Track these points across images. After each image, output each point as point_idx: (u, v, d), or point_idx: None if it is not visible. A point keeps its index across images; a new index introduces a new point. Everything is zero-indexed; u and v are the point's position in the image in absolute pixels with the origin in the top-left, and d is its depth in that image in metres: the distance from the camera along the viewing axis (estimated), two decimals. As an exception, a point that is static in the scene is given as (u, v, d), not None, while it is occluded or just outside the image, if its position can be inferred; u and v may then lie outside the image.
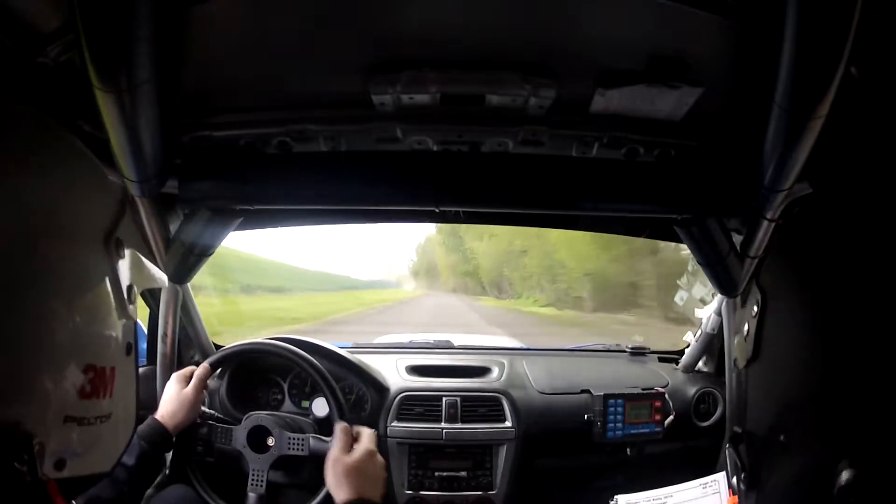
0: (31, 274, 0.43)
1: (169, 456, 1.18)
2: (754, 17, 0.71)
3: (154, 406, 1.16)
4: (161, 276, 0.58)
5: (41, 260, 0.44)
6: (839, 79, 0.68)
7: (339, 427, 1.04)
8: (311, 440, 1.10)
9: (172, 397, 1.12)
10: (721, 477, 1.16)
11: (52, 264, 0.44)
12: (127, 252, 0.50)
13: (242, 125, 0.99)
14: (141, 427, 1.05)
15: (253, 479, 1.13)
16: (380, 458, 1.01)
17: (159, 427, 1.07)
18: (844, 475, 0.46)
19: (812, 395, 0.50)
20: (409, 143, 1.02)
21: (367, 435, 1.03)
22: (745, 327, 0.73)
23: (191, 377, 1.15)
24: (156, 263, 1.14)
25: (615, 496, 1.19)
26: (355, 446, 1.01)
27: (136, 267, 0.52)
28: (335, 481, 0.95)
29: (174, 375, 1.16)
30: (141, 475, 1.00)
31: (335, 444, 1.01)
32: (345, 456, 0.98)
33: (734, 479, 1.27)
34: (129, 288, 0.50)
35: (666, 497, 1.17)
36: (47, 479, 0.44)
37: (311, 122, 0.98)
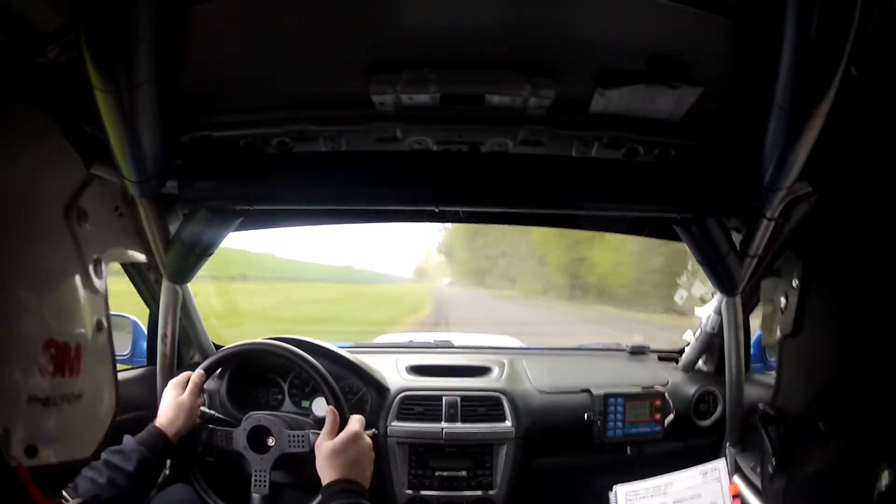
0: None
1: (167, 467, 1.18)
2: (754, 17, 0.71)
3: (154, 406, 1.16)
4: (135, 253, 0.56)
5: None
6: (839, 79, 0.68)
7: (329, 410, 1.07)
8: (312, 436, 1.10)
9: (170, 404, 1.12)
10: (721, 464, 1.16)
11: (5, 238, 0.42)
12: (92, 225, 0.48)
13: (242, 125, 0.99)
14: (141, 434, 1.06)
15: (256, 480, 1.13)
16: (366, 440, 1.04)
17: (160, 434, 1.07)
18: (885, 478, 0.45)
19: (855, 382, 0.49)
20: (408, 143, 1.02)
21: (354, 419, 1.06)
22: (783, 300, 0.70)
23: (186, 383, 1.15)
24: (156, 263, 1.15)
25: (614, 487, 1.19)
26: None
27: (104, 237, 0.49)
28: (321, 464, 0.99)
29: (170, 382, 1.16)
30: (142, 481, 1.00)
31: (323, 428, 1.04)
32: (330, 439, 1.02)
33: (735, 478, 1.27)
34: (97, 261, 0.48)
35: (666, 485, 1.17)
36: (17, 465, 0.41)
37: (312, 122, 0.98)
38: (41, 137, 0.48)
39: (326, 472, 0.98)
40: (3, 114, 0.46)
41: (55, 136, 0.49)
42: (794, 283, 0.80)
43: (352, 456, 1.00)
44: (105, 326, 0.50)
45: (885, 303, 0.69)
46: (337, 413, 1.07)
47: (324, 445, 1.01)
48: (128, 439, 1.02)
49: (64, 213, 0.47)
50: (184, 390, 1.14)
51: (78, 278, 0.46)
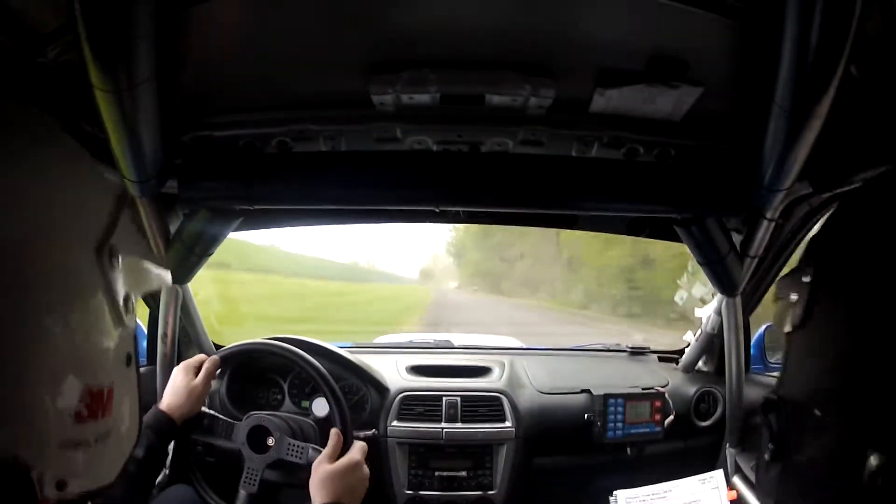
0: (24, 287, 0.39)
1: (169, 456, 1.18)
2: (754, 16, 0.71)
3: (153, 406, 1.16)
4: (163, 274, 0.55)
5: (34, 270, 0.39)
6: (839, 79, 0.68)
7: (333, 433, 1.06)
8: (311, 451, 1.10)
9: (180, 388, 1.11)
10: (719, 473, 1.16)
11: (45, 276, 0.40)
12: (123, 260, 0.45)
13: (242, 125, 0.99)
14: (146, 416, 1.04)
15: (246, 477, 1.12)
16: (365, 469, 1.03)
17: (165, 417, 1.07)
18: (873, 460, 0.46)
19: (855, 371, 0.50)
20: (409, 143, 1.02)
21: (356, 447, 1.05)
22: (794, 294, 0.72)
23: (197, 367, 1.14)
24: None
25: (614, 492, 1.19)
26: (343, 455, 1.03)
27: (134, 273, 0.48)
28: (314, 484, 0.98)
29: (182, 365, 1.14)
30: (149, 466, 1.01)
31: (325, 450, 1.03)
32: (329, 462, 1.01)
33: (735, 478, 1.27)
34: (127, 297, 0.46)
35: (665, 492, 1.17)
36: (48, 500, 0.41)
37: (312, 122, 0.98)
38: (80, 167, 0.45)
39: (318, 495, 0.96)
40: (50, 143, 0.43)
41: (84, 161, 0.45)
42: (806, 277, 0.82)
43: (348, 483, 0.99)
44: (134, 359, 0.49)
45: (891, 299, 0.69)
46: (341, 436, 1.06)
47: (322, 467, 0.99)
48: None
49: (97, 252, 0.43)
50: (195, 375, 1.13)
51: (110, 319, 0.44)
